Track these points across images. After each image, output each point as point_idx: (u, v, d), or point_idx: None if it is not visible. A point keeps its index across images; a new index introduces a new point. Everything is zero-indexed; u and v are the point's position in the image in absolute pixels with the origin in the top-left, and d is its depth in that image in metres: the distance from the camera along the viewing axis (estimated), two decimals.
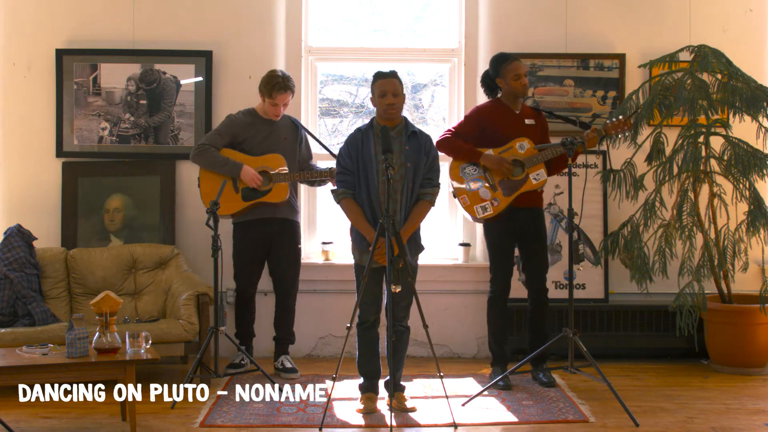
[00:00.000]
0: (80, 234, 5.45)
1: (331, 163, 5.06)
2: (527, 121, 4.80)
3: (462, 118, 5.09)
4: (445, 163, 4.77)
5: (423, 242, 4.38)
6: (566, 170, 4.66)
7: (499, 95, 4.86)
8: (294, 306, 5.10)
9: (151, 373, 4.88)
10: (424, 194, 4.24)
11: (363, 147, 4.20)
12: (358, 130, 4.28)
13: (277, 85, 4.83)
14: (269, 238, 4.97)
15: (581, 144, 4.52)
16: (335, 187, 4.29)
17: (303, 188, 5.56)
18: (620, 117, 4.76)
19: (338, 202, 4.27)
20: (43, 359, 3.86)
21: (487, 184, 4.72)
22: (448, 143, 4.76)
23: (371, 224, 4.15)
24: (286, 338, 5.08)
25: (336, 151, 5.06)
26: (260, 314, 5.20)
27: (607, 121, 4.81)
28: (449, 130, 4.83)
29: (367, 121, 4.34)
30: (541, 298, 4.84)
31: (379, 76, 4.25)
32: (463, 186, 4.75)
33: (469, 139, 4.78)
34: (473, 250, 5.63)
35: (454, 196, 4.80)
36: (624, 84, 5.56)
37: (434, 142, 4.34)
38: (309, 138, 5.19)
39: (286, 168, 4.88)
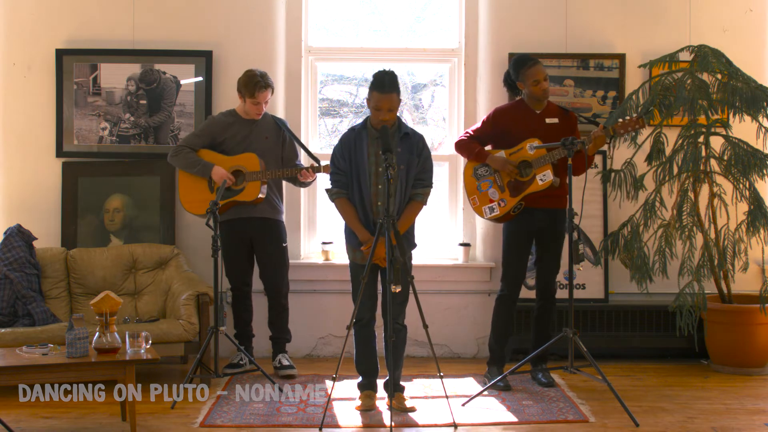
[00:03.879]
0: (80, 234, 5.45)
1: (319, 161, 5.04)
2: (549, 121, 4.72)
3: (479, 119, 5.11)
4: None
5: (418, 240, 4.39)
6: (590, 166, 4.67)
7: (521, 96, 4.83)
8: (286, 304, 5.09)
9: (151, 373, 4.88)
10: (415, 195, 4.24)
11: (356, 148, 4.19)
12: (352, 129, 4.27)
13: (258, 84, 4.87)
14: (249, 237, 4.99)
15: (581, 144, 4.48)
16: (330, 186, 4.30)
17: (302, 189, 5.55)
18: (633, 115, 4.65)
19: (332, 201, 4.28)
20: (43, 359, 3.86)
21: (496, 185, 4.73)
22: (461, 145, 4.83)
23: (364, 224, 4.16)
24: (282, 337, 5.08)
25: (315, 153, 5.17)
26: (259, 315, 5.19)
27: (619, 120, 4.69)
28: (467, 132, 4.86)
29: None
30: (547, 299, 4.83)
31: (376, 88, 4.11)
32: (475, 187, 4.79)
33: (486, 141, 4.81)
34: (473, 250, 5.63)
35: (468, 197, 4.85)
36: (624, 84, 5.55)
37: (427, 142, 4.32)
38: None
39: (260, 167, 4.88)
